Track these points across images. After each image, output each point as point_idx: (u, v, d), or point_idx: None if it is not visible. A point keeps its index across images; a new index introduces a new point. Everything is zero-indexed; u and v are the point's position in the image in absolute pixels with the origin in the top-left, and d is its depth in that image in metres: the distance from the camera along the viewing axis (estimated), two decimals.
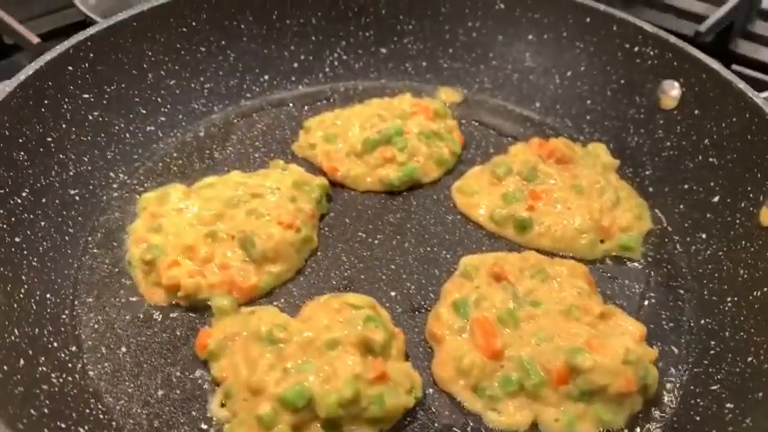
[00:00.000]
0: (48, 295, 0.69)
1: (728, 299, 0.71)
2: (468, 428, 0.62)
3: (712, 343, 0.70)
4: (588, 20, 0.95)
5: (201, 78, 0.97)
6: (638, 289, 0.76)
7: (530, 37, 1.01)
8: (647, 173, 0.89)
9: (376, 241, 0.80)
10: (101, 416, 0.61)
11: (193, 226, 0.75)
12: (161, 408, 0.62)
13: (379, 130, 0.88)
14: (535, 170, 0.84)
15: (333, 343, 0.61)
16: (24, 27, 1.11)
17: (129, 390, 0.63)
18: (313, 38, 1.03)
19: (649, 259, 0.79)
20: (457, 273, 0.75)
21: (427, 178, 0.88)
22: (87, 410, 0.60)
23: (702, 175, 0.82)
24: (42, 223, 0.73)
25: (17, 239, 0.69)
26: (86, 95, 0.83)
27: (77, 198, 0.80)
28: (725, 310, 0.71)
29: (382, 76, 1.06)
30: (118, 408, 0.62)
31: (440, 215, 0.84)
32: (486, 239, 0.81)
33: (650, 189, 0.88)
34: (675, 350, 0.70)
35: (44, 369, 0.61)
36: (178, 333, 0.69)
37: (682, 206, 0.83)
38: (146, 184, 0.86)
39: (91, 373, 0.65)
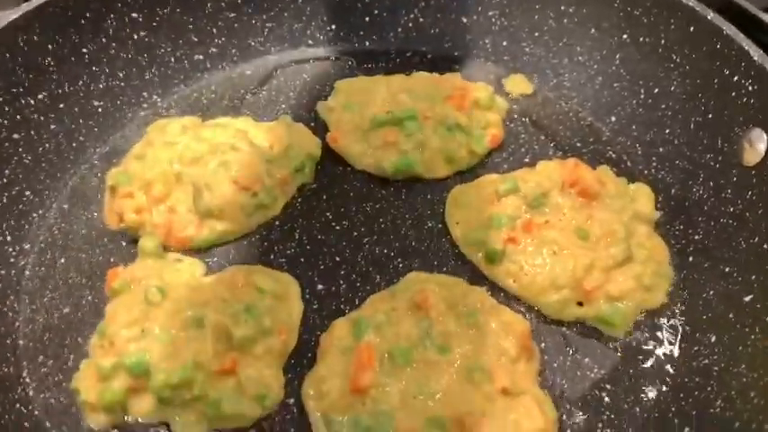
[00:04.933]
0: (27, 193, 0.75)
1: (686, 429, 0.55)
2: None
3: None
4: (692, 29, 0.74)
5: (264, 16, 0.95)
6: (595, 375, 0.62)
7: (624, 36, 0.83)
8: (696, 237, 0.70)
9: (338, 227, 0.75)
10: (9, 313, 0.66)
11: (170, 163, 0.76)
12: (57, 324, 0.66)
13: (392, 109, 0.80)
14: (545, 197, 0.71)
15: (197, 322, 0.59)
16: None
17: (45, 299, 0.68)
18: None
19: (633, 344, 0.64)
20: (392, 286, 0.67)
21: (430, 174, 0.79)
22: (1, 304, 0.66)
23: (748, 264, 0.62)
24: (52, 126, 0.80)
25: (15, 136, 0.76)
26: (135, 15, 0.87)
27: (100, 110, 0.85)
28: None
29: (457, 48, 0.96)
30: (26, 312, 0.67)
31: (421, 219, 0.75)
32: (453, 260, 0.71)
33: (690, 259, 0.69)
34: None
35: None
36: (112, 260, 0.72)
37: (711, 293, 0.65)
38: (172, 110, 0.89)
39: (27, 272, 0.71)
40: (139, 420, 0.58)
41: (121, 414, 0.58)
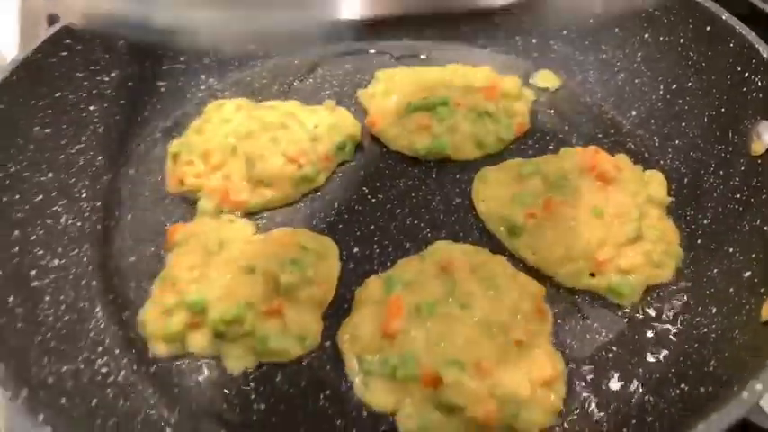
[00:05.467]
0: (99, 158, 0.84)
1: (682, 385, 0.61)
2: (337, 389, 0.65)
3: (647, 417, 0.61)
4: (708, 29, 0.80)
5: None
6: (602, 338, 0.68)
7: (646, 36, 0.89)
8: (705, 222, 0.76)
9: (374, 200, 0.82)
10: (84, 258, 0.75)
11: (226, 137, 0.84)
12: (125, 269, 0.75)
13: (426, 97, 0.87)
14: (565, 179, 0.77)
15: (249, 269, 0.68)
16: None
17: (113, 249, 0.77)
18: None
19: (638, 314, 0.70)
20: (421, 252, 0.74)
21: (460, 156, 0.86)
22: (74, 251, 0.75)
23: (750, 244, 0.68)
24: (122, 102, 0.89)
25: (91, 108, 0.85)
26: None
27: (163, 90, 0.94)
28: (676, 394, 0.61)
29: (489, 45, 1.03)
30: (98, 258, 0.76)
31: (449, 196, 0.82)
32: (477, 233, 0.78)
33: (698, 241, 0.75)
34: (595, 412, 0.63)
35: (58, 209, 0.77)
36: (173, 219, 0.80)
37: (715, 271, 0.71)
38: (226, 93, 0.98)
39: (98, 226, 0.80)
40: (196, 352, 0.67)
41: (181, 346, 0.67)
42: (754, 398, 0.46)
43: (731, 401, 0.46)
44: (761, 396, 0.46)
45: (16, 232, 0.71)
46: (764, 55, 0.73)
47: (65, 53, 0.82)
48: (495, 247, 0.76)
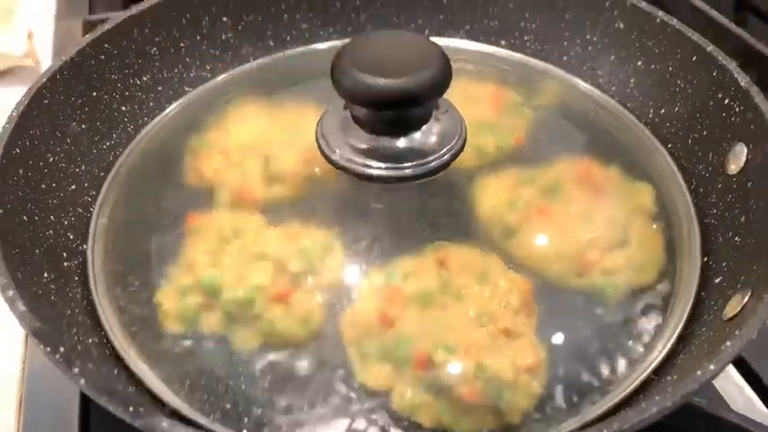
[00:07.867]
0: (128, 154, 0.92)
1: (654, 376, 0.66)
2: (336, 369, 0.70)
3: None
4: (694, 58, 0.87)
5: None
6: (584, 334, 0.73)
7: (639, 63, 0.96)
8: (684, 232, 0.82)
9: (378, 205, 0.88)
10: (109, 246, 0.82)
11: (245, 135, 0.91)
12: (141, 256, 0.80)
13: None
14: (558, 187, 0.84)
15: (261, 256, 0.74)
16: None
17: (131, 235, 0.83)
18: None
19: (621, 312, 0.75)
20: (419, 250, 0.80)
21: (459, 164, 0.92)
22: (102, 239, 0.82)
23: (721, 253, 0.74)
24: (151, 104, 0.97)
25: (123, 108, 0.93)
26: (224, 18, 1.03)
27: (190, 94, 1.01)
28: (648, 383, 0.66)
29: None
30: (120, 241, 0.82)
31: (451, 200, 0.88)
32: (474, 235, 0.84)
33: (677, 250, 0.81)
34: (574, 398, 0.68)
35: (88, 199, 0.84)
36: (190, 210, 0.86)
37: (691, 276, 0.76)
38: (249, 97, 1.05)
39: (123, 215, 0.86)
40: (207, 332, 0.72)
41: (193, 326, 0.73)
42: (706, 376, 0.51)
43: (688, 378, 0.52)
44: (714, 375, 0.52)
45: (51, 217, 0.78)
46: (743, 84, 0.79)
47: (102, 56, 0.90)
48: (489, 247, 0.82)
